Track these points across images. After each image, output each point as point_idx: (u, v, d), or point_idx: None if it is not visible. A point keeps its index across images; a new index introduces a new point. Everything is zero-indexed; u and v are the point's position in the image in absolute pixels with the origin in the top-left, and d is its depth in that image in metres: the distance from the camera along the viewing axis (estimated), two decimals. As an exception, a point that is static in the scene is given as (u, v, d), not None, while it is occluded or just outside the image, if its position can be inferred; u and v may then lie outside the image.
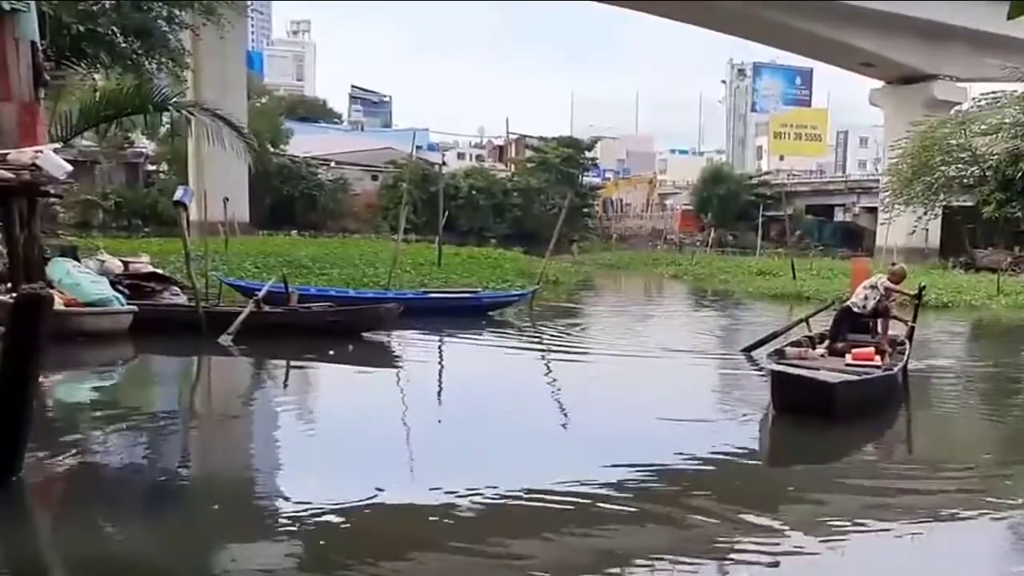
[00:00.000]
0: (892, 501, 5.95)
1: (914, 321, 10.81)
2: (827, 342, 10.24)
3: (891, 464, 7.35)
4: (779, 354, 9.61)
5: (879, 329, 10.52)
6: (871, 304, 10.31)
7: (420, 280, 19.31)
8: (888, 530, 5.40)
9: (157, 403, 9.40)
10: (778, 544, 5.05)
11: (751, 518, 5.40)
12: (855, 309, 10.44)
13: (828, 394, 7.74)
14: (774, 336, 11.70)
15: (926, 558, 5.20)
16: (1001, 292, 21.81)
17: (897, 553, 5.19)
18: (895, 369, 9.33)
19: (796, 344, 10.36)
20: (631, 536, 5.30)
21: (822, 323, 11.18)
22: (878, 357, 9.39)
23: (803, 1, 43.48)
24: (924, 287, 11.08)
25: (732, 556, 4.87)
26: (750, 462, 7.11)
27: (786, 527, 5.29)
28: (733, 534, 5.16)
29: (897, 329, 10.79)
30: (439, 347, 13.39)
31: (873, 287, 10.40)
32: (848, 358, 9.37)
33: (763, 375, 9.44)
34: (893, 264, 11.29)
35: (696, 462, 6.79)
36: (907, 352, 10.11)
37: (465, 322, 14.85)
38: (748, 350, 11.80)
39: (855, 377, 8.44)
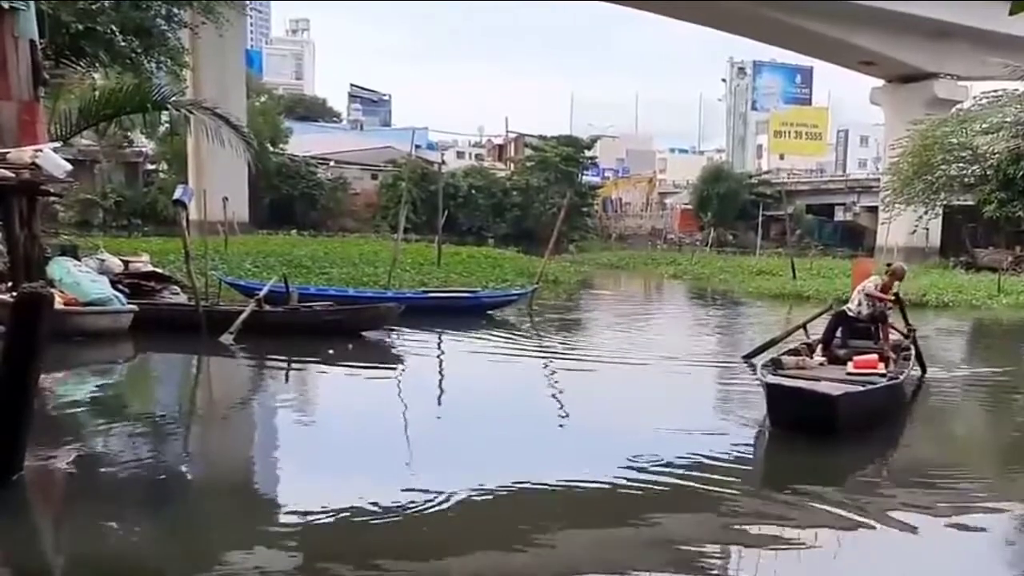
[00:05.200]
0: (900, 517, 5.66)
1: (907, 325, 10.40)
2: (821, 348, 9.77)
3: (897, 480, 6.84)
4: (775, 364, 9.02)
5: (880, 335, 9.94)
6: (865, 310, 9.90)
7: (420, 279, 19.29)
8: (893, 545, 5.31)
9: (157, 402, 9.39)
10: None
11: (732, 537, 5.33)
12: (850, 314, 10.01)
13: (830, 407, 7.17)
14: (773, 343, 11.25)
15: None
16: (1002, 291, 21.75)
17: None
18: (901, 377, 8.75)
19: (794, 352, 9.83)
20: (605, 545, 5.28)
21: (821, 328, 10.59)
22: (881, 364, 8.90)
23: (806, 0, 43.45)
24: (898, 294, 10.38)
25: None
26: (738, 480, 6.56)
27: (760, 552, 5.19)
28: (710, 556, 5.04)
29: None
30: (439, 346, 13.37)
31: (863, 290, 9.99)
32: (850, 366, 8.81)
33: (759, 382, 9.05)
34: (889, 264, 10.92)
35: (682, 478, 6.40)
36: (912, 358, 9.74)
37: (465, 321, 14.83)
38: (749, 357, 11.30)
39: (859, 388, 7.84)
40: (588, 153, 60.23)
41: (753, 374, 10.38)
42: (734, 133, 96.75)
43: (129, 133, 38.29)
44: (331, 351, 11.32)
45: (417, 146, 39.40)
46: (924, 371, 10.45)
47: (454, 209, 45.76)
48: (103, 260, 13.94)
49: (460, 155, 74.59)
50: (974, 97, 36.93)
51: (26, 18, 12.06)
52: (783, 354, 9.77)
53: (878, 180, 47.65)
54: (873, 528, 5.40)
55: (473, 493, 5.74)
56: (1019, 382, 11.77)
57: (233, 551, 4.93)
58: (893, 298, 10.11)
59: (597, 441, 7.41)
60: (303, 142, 56.26)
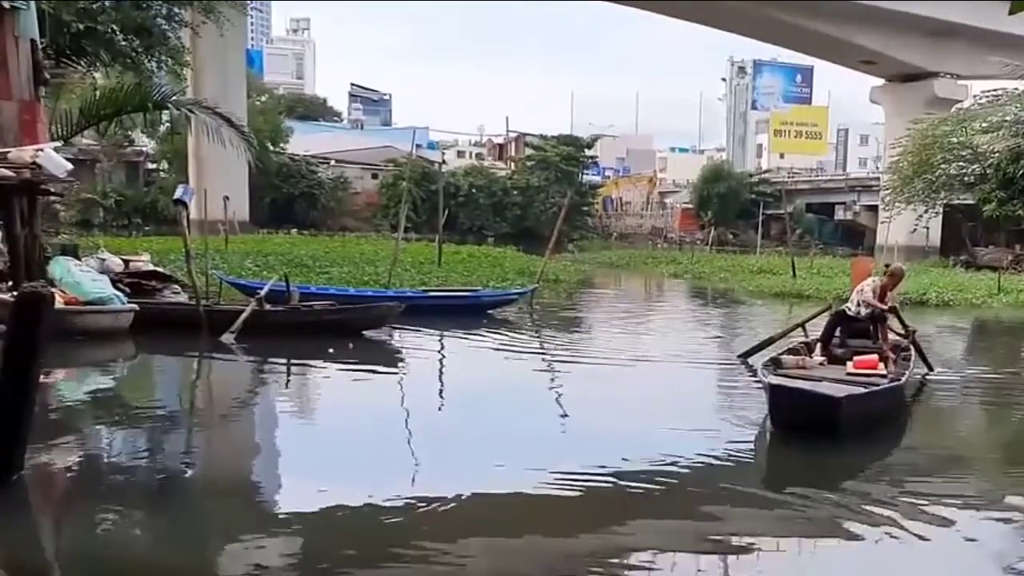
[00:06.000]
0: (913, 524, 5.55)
1: (905, 327, 10.32)
2: (820, 347, 9.70)
3: (900, 482, 6.63)
4: (775, 363, 8.93)
5: (879, 335, 9.85)
6: (864, 310, 9.80)
7: (420, 279, 19.29)
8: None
9: (158, 402, 9.39)
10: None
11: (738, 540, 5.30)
12: (849, 313, 9.93)
13: (833, 409, 7.08)
14: (771, 341, 11.16)
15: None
16: (1002, 290, 21.75)
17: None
18: (903, 379, 8.68)
19: (793, 351, 9.76)
20: (606, 543, 5.29)
21: (820, 327, 10.55)
22: (881, 365, 8.83)
23: (807, 0, 43.44)
24: (896, 307, 10.27)
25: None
26: (740, 480, 6.48)
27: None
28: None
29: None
30: (439, 346, 13.37)
31: (862, 291, 9.89)
32: (849, 366, 8.77)
33: (758, 382, 9.05)
34: (887, 266, 10.81)
35: (684, 478, 6.40)
36: (911, 359, 9.70)
37: (465, 320, 14.83)
38: (745, 356, 11.29)
39: (862, 389, 7.75)
40: (588, 152, 60.27)
41: (749, 373, 10.46)
42: (734, 132, 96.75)
43: (130, 132, 38.30)
44: (332, 350, 11.33)
45: (418, 145, 39.40)
46: (931, 368, 10.46)
47: (454, 208, 45.81)
48: (104, 259, 13.96)
49: (460, 154, 74.58)
50: (974, 96, 36.90)
51: (27, 18, 12.07)
52: (782, 353, 9.71)
53: (878, 179, 47.66)
54: (876, 529, 5.39)
55: (474, 492, 5.75)
56: (1022, 382, 11.72)
57: (233, 550, 4.94)
58: (889, 308, 9.97)
59: (598, 440, 7.40)
60: (304, 141, 56.30)
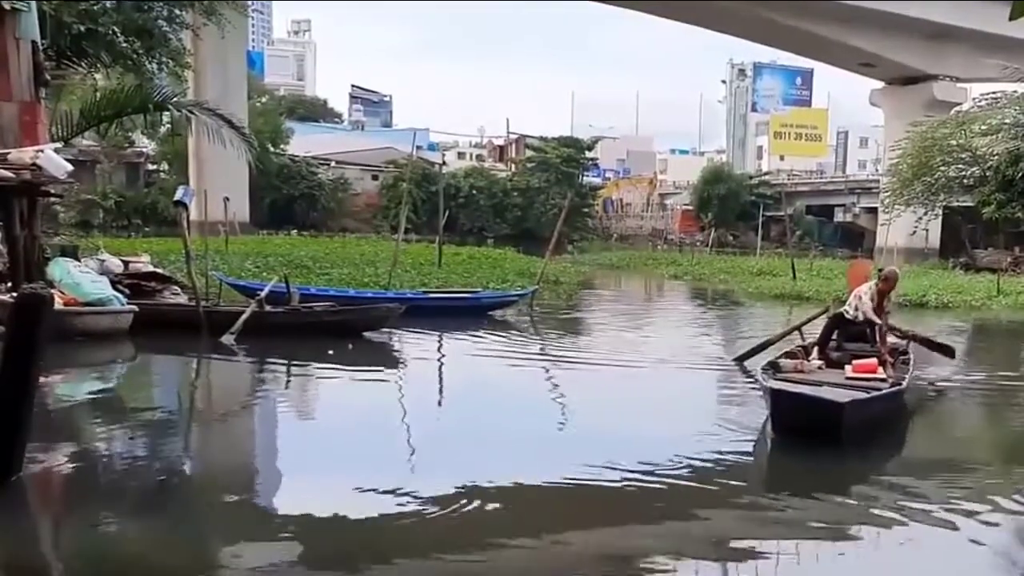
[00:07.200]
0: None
1: (903, 333, 10.29)
2: (817, 351, 9.60)
3: (901, 485, 6.47)
4: (774, 367, 8.85)
5: (876, 337, 9.62)
6: (861, 315, 9.63)
7: (420, 280, 19.28)
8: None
9: (157, 403, 9.40)
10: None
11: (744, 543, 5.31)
12: (847, 316, 9.77)
13: (836, 415, 7.01)
14: (767, 344, 11.08)
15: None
16: (1001, 292, 21.76)
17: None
18: (904, 383, 8.54)
19: (790, 355, 9.64)
20: (606, 546, 5.30)
21: (817, 330, 10.43)
22: (881, 369, 8.72)
23: (804, 1, 43.47)
24: (893, 324, 10.18)
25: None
26: (739, 483, 6.48)
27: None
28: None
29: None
30: (439, 347, 13.38)
31: (859, 298, 9.71)
32: (848, 370, 8.70)
33: (755, 385, 9.00)
34: (881, 270, 10.69)
35: (683, 481, 6.36)
36: (912, 363, 9.63)
37: (465, 322, 14.83)
38: (741, 359, 11.23)
39: (864, 394, 7.66)
40: (589, 154, 60.34)
41: (746, 376, 10.41)
42: (734, 134, 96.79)
43: (130, 134, 38.35)
44: (331, 352, 11.33)
45: (418, 147, 39.46)
46: (952, 355, 10.84)
47: (455, 210, 45.91)
48: (103, 260, 13.94)
49: (461, 156, 74.72)
50: (973, 99, 36.98)
51: (28, 19, 12.09)
52: (780, 357, 9.63)
53: (878, 181, 47.71)
54: (879, 533, 5.41)
55: (473, 493, 5.74)
56: (1023, 384, 11.68)
57: (232, 551, 4.95)
58: (890, 328, 9.90)
59: (596, 444, 7.39)
60: (304, 143, 56.36)
